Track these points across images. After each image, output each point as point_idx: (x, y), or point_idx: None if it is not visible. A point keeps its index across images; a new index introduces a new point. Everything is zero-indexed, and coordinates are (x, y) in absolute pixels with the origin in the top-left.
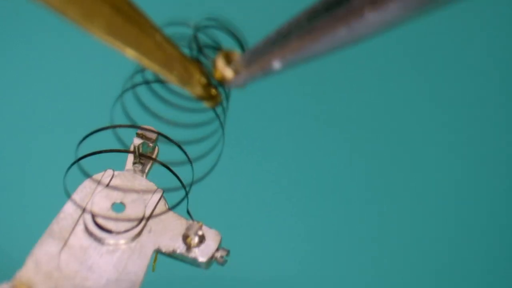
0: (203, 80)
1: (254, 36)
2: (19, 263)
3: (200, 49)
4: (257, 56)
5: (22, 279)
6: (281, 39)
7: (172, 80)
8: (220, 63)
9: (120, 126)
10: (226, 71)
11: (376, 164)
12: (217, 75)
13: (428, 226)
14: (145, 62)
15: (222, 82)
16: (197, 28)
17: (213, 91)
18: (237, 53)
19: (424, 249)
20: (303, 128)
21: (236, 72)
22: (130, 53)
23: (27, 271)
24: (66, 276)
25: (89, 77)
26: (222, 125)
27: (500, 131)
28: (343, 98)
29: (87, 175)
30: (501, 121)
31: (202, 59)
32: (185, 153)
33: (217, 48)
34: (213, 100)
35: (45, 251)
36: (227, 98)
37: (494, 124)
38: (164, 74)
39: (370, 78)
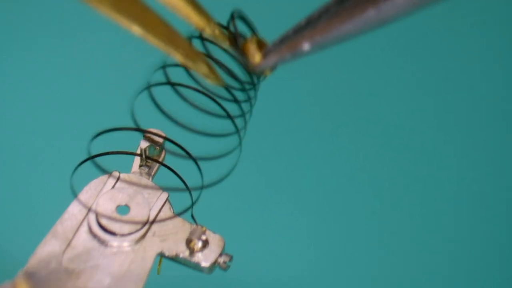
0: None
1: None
2: (22, 262)
3: (235, 35)
4: (286, 40)
5: (24, 279)
6: (311, 24)
7: (177, 57)
8: (252, 47)
9: (128, 128)
10: (256, 55)
11: (382, 165)
12: (249, 59)
13: (434, 225)
14: (151, 39)
15: (252, 67)
16: (235, 15)
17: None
18: (267, 42)
19: (430, 249)
20: (307, 131)
21: (266, 56)
22: (136, 30)
23: (30, 271)
24: (69, 276)
25: (98, 78)
26: (240, 137)
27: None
28: (347, 102)
29: (105, 172)
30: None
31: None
32: (194, 160)
33: (250, 34)
34: (218, 78)
35: (48, 251)
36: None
37: (497, 126)
38: (169, 51)
39: (372, 80)
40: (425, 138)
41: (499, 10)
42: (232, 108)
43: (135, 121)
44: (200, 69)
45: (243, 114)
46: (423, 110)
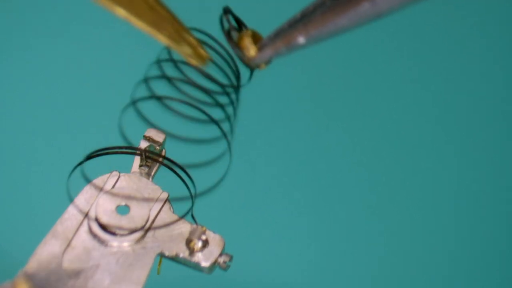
0: (192, 40)
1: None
2: (22, 262)
3: (229, 30)
4: (282, 34)
5: (24, 279)
6: (306, 17)
7: (161, 39)
8: (247, 41)
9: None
10: (250, 49)
11: (382, 165)
12: (244, 52)
13: (435, 225)
14: (135, 21)
15: (247, 60)
16: (227, 10)
17: (202, 51)
18: (262, 35)
19: (430, 248)
20: (306, 130)
21: (261, 49)
22: (120, 13)
23: (30, 271)
24: (69, 276)
25: (99, 78)
26: (231, 132)
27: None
28: (346, 101)
29: (88, 180)
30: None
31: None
32: (186, 173)
33: (243, 28)
34: (202, 58)
35: (48, 251)
36: (236, 102)
37: (497, 126)
38: (153, 34)
39: (370, 77)
40: (425, 139)
41: (499, 10)
42: (216, 114)
43: (124, 137)
44: (184, 51)
45: (228, 118)
46: (422, 109)
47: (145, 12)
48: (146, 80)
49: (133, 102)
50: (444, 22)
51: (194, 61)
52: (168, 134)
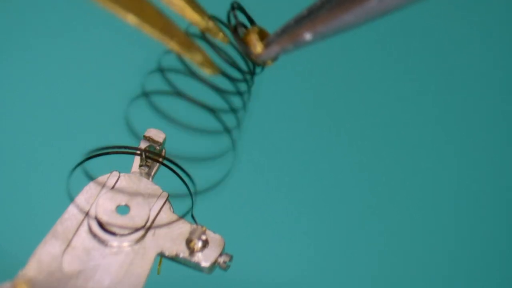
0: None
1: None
2: (22, 262)
3: (236, 26)
4: (288, 30)
5: (24, 279)
6: (312, 13)
7: (172, 46)
8: (253, 38)
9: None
10: (257, 45)
11: (382, 166)
12: (251, 49)
13: (435, 225)
14: (146, 28)
15: (254, 56)
16: (235, 6)
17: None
18: (269, 32)
19: (430, 248)
20: (307, 131)
21: (267, 46)
22: (131, 20)
23: (30, 271)
24: (69, 276)
25: (98, 78)
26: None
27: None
28: (348, 102)
29: (91, 178)
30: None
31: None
32: (184, 172)
33: (250, 25)
34: (214, 66)
35: (48, 251)
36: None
37: (497, 125)
38: (164, 40)
39: (371, 78)
40: (425, 139)
41: (499, 10)
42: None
43: (129, 127)
44: (196, 58)
45: (243, 106)
46: (422, 109)
47: (156, 19)
48: (160, 70)
49: (145, 94)
50: (444, 22)
51: (206, 69)
52: (175, 123)
